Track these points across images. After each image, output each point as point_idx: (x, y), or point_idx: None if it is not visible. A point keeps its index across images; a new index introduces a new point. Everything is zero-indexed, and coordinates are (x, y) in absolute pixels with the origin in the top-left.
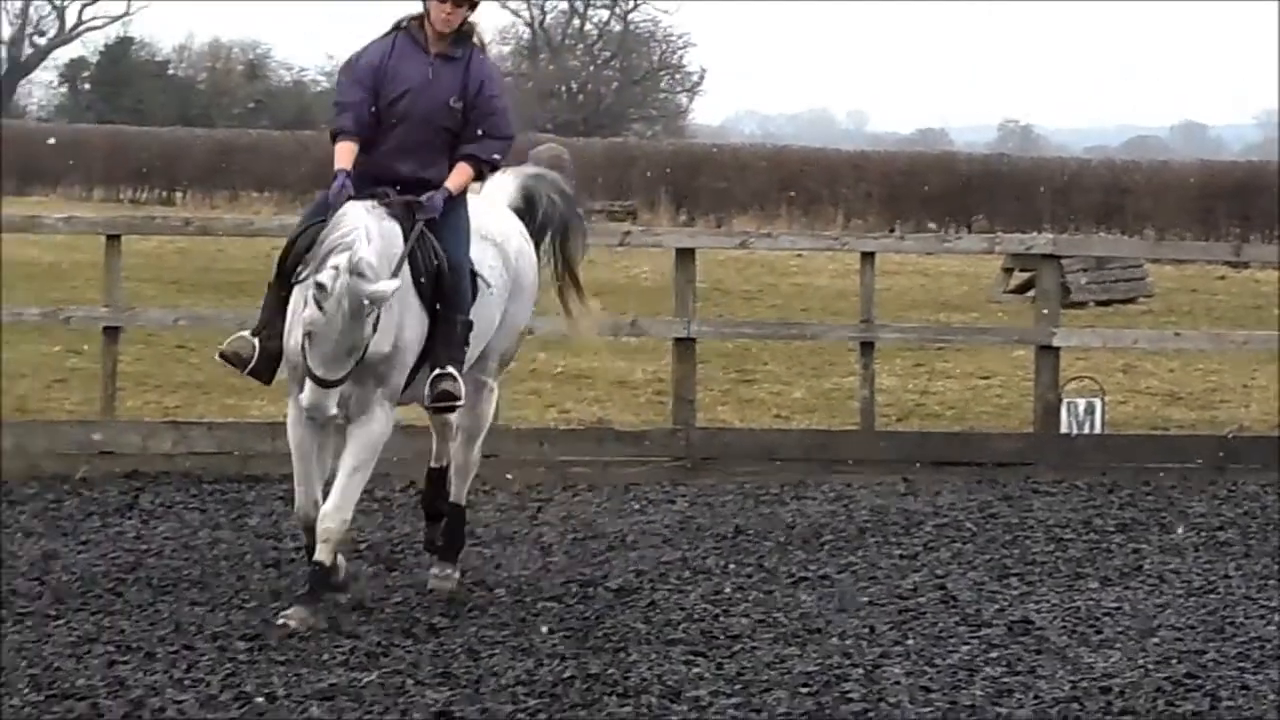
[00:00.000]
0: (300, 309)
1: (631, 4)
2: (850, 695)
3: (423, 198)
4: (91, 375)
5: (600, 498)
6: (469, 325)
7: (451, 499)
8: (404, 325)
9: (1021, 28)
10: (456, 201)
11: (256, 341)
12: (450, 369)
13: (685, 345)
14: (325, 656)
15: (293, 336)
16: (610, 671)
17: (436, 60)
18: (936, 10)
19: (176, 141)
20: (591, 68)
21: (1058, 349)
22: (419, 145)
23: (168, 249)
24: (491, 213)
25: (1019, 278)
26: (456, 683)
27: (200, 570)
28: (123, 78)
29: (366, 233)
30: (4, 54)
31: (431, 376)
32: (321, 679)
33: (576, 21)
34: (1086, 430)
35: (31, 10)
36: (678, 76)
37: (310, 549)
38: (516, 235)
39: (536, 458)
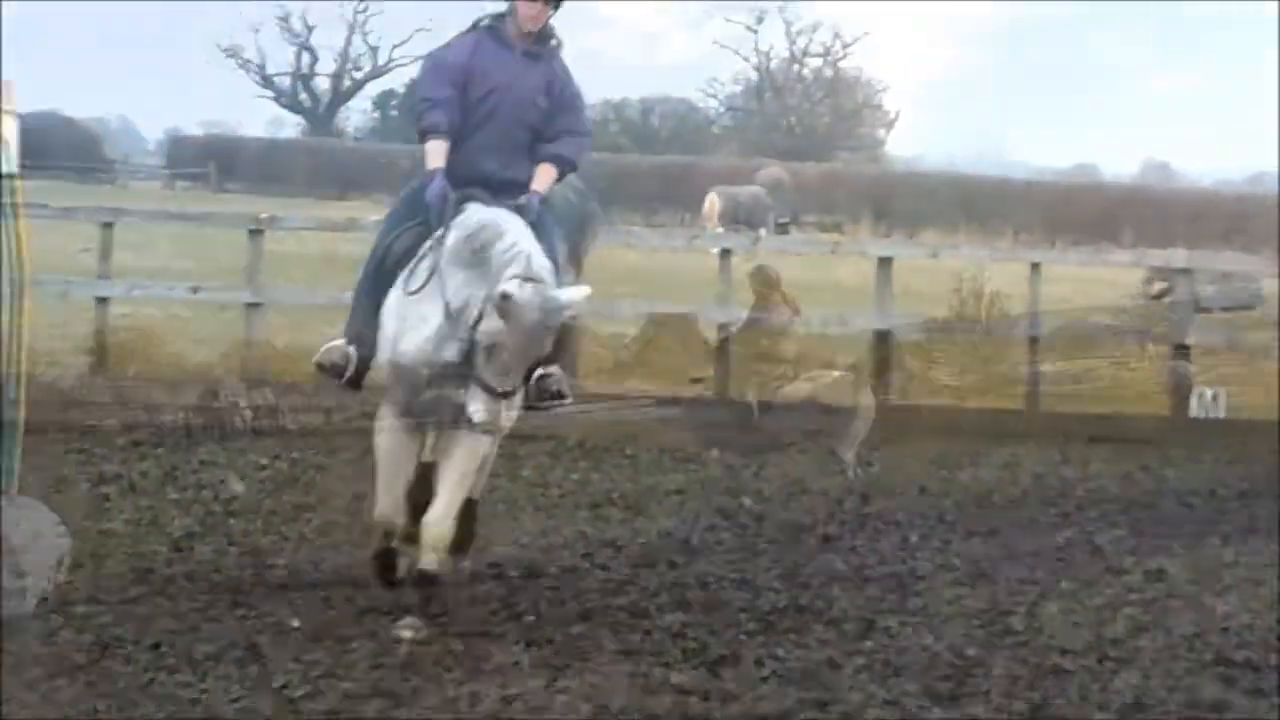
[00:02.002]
0: (399, 311)
1: (842, 54)
2: (1014, 628)
3: (521, 200)
4: None
5: (808, 460)
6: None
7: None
8: None
9: (1163, 80)
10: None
11: (352, 350)
12: (554, 368)
13: (883, 336)
14: (583, 584)
15: (404, 343)
16: (816, 603)
17: (523, 57)
18: (1089, 62)
19: None
20: (807, 105)
21: (1189, 346)
22: (505, 143)
23: None
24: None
25: (1157, 287)
26: (690, 609)
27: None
28: None
29: (531, 240)
30: (329, 85)
31: (538, 375)
32: (580, 604)
33: (795, 67)
34: (1212, 415)
35: (350, 49)
36: (878, 114)
37: (383, 552)
38: None
39: (756, 425)
